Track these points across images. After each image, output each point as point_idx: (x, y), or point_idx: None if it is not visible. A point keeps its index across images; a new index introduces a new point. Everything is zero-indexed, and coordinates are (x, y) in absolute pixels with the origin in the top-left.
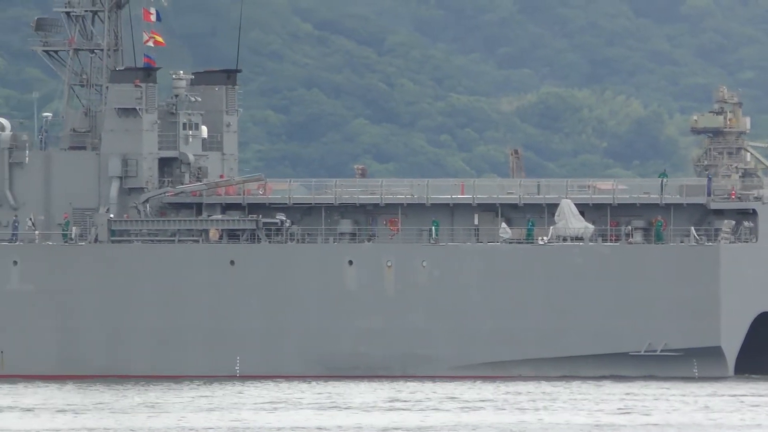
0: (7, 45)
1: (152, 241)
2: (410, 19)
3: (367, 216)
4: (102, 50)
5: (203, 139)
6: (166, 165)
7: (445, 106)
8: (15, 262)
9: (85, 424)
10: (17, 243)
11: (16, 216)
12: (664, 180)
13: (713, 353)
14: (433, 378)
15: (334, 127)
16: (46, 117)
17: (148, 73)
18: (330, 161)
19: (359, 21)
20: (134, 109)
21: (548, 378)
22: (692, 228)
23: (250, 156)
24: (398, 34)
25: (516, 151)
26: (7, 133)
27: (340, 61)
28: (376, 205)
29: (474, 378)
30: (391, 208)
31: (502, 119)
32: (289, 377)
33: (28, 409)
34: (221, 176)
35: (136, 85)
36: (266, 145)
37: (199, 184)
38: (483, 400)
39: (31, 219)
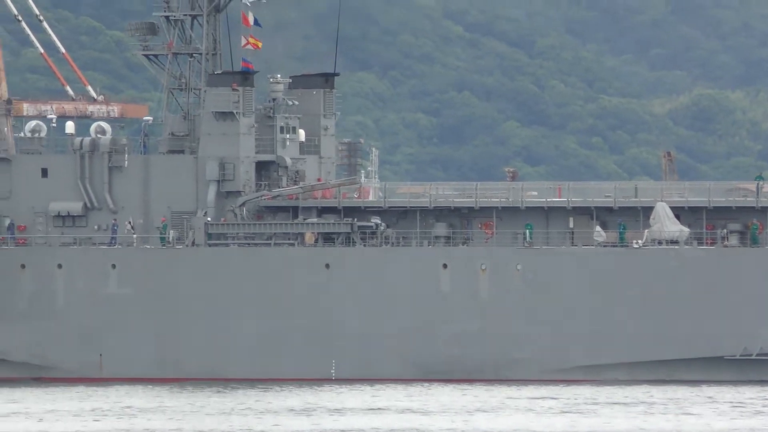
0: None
1: (248, 244)
2: (561, 20)
3: (462, 219)
4: (200, 54)
5: (301, 143)
6: (263, 168)
7: (596, 108)
8: (113, 266)
9: (195, 427)
10: (116, 247)
11: (115, 220)
12: (760, 183)
13: None
14: (526, 381)
15: (485, 129)
16: (146, 121)
17: (245, 76)
18: (481, 164)
19: (510, 23)
20: (231, 112)
21: (642, 382)
22: None
23: (400, 159)
24: (549, 36)
25: (669, 154)
26: (107, 137)
27: (491, 63)
28: (470, 209)
29: (568, 382)
30: (485, 211)
31: (654, 121)
32: (384, 380)
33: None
34: (318, 180)
35: (234, 89)
36: (416, 148)
37: (295, 187)
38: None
39: (130, 222)
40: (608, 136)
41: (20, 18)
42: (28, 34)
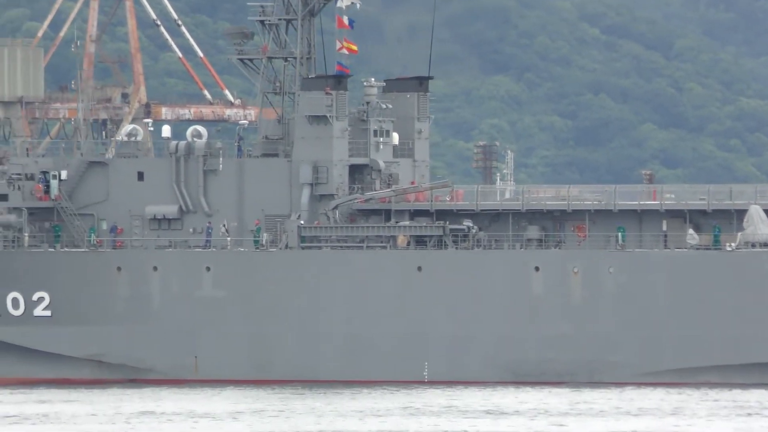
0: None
1: (341, 247)
2: (699, 22)
3: (554, 222)
4: (295, 58)
5: (394, 146)
6: (357, 172)
7: (735, 110)
8: (208, 268)
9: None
10: (210, 249)
11: (209, 222)
12: None
13: None
14: (619, 385)
15: (621, 132)
16: (242, 125)
17: (338, 80)
18: (617, 166)
19: (647, 25)
20: (325, 116)
21: (735, 385)
22: None
23: (536, 162)
24: (687, 37)
25: None
26: (203, 140)
27: (628, 65)
28: (563, 212)
29: (661, 385)
30: (578, 214)
31: None
32: (476, 383)
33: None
34: (412, 183)
35: (327, 93)
36: (552, 150)
37: (388, 190)
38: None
39: (224, 225)
40: (746, 138)
41: (159, 23)
42: (167, 39)
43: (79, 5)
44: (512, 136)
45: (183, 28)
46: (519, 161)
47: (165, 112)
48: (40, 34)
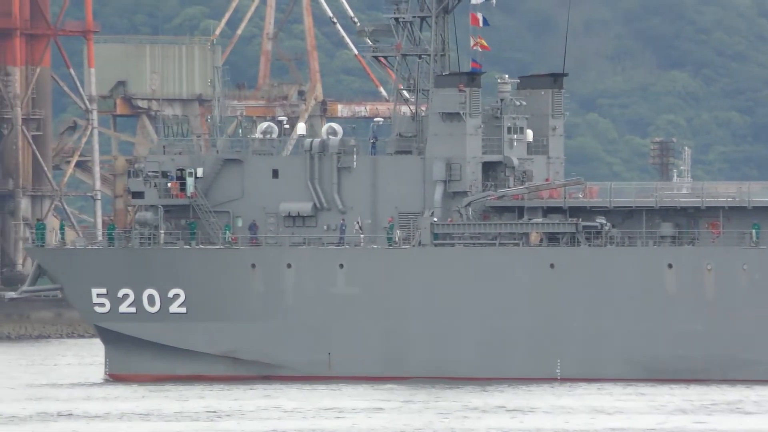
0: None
1: (474, 244)
2: None
3: (688, 219)
4: (429, 55)
5: (528, 143)
6: (490, 169)
7: None
8: (341, 266)
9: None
10: (343, 246)
11: (343, 220)
12: None
13: None
14: (753, 382)
15: None
16: (376, 122)
17: (472, 77)
18: None
19: None
20: (458, 113)
21: None
22: None
23: (713, 158)
24: None
25: None
26: (336, 138)
27: None
28: (697, 208)
29: None
30: (712, 210)
31: None
32: (609, 380)
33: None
34: (546, 180)
35: (460, 90)
36: (730, 146)
37: (521, 187)
38: None
39: (358, 223)
40: None
41: (335, 20)
42: (343, 36)
43: (256, 3)
44: (689, 132)
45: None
46: (696, 158)
47: (341, 109)
48: (217, 32)
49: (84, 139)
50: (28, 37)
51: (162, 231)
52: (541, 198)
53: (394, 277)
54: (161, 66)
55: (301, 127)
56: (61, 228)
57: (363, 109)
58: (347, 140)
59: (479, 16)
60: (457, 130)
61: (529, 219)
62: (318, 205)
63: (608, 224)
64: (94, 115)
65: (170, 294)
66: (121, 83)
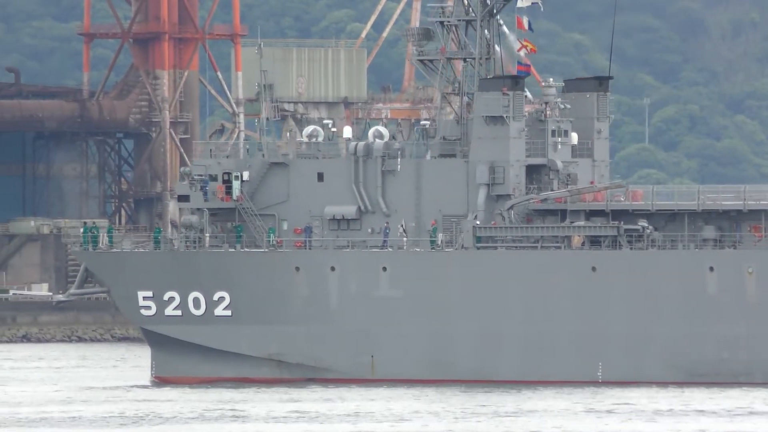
0: (618, 50)
1: (516, 247)
2: None
3: (731, 222)
4: (474, 58)
5: (573, 146)
6: (535, 172)
7: None
8: (384, 269)
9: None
10: (387, 249)
11: (387, 223)
12: None
13: None
14: None
15: None
16: (423, 125)
17: (515, 81)
18: None
19: None
20: (501, 116)
21: None
22: None
23: None
24: None
25: None
26: (381, 141)
27: None
28: (739, 211)
29: None
30: (755, 214)
31: None
32: (650, 383)
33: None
34: (591, 183)
35: (504, 93)
36: None
37: (563, 190)
38: None
39: (402, 226)
40: None
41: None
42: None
43: (401, 6)
44: None
45: (504, 27)
46: None
47: None
48: (363, 34)
49: (231, 142)
50: (176, 41)
51: (207, 234)
52: (584, 201)
53: (437, 280)
54: (307, 69)
55: (347, 131)
56: (109, 231)
57: None
58: (391, 143)
59: (524, 20)
60: (501, 134)
61: (572, 222)
62: (362, 208)
63: (650, 227)
64: (241, 118)
65: (215, 297)
66: (268, 86)
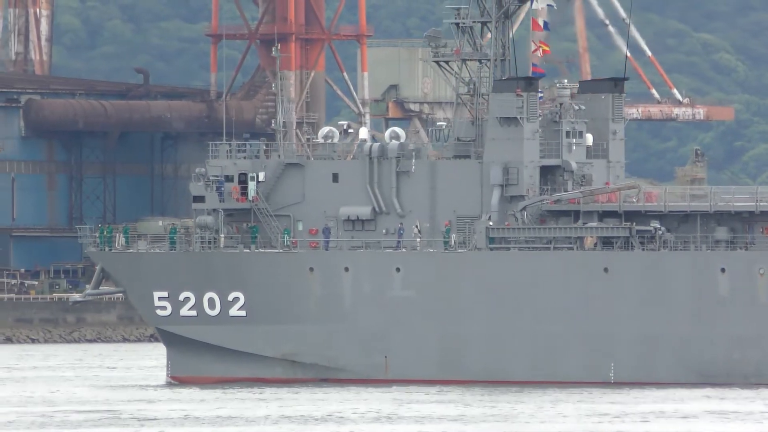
0: (748, 50)
1: (528, 248)
2: None
3: (743, 223)
4: (489, 60)
5: (587, 147)
6: (549, 173)
7: None
8: (397, 269)
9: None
10: (400, 250)
11: (401, 224)
12: None
13: None
14: None
15: None
16: (439, 126)
17: (530, 82)
18: None
19: None
20: (515, 118)
21: None
22: None
23: None
24: None
25: None
26: (395, 142)
27: None
28: (752, 213)
29: None
30: (767, 215)
31: None
32: (662, 384)
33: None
34: (606, 184)
35: (518, 95)
36: None
37: (575, 192)
38: None
39: (416, 226)
40: None
41: (607, 22)
42: (614, 38)
43: (527, 7)
44: None
45: (632, 27)
46: None
47: None
48: (488, 36)
49: (356, 142)
50: (303, 41)
51: (222, 235)
52: (598, 202)
53: (450, 280)
54: (433, 70)
55: (363, 132)
56: (125, 232)
57: (635, 111)
58: (406, 144)
59: (540, 21)
60: (515, 135)
61: (584, 223)
62: (377, 208)
63: (662, 228)
64: (367, 118)
65: (230, 297)
66: (394, 87)
